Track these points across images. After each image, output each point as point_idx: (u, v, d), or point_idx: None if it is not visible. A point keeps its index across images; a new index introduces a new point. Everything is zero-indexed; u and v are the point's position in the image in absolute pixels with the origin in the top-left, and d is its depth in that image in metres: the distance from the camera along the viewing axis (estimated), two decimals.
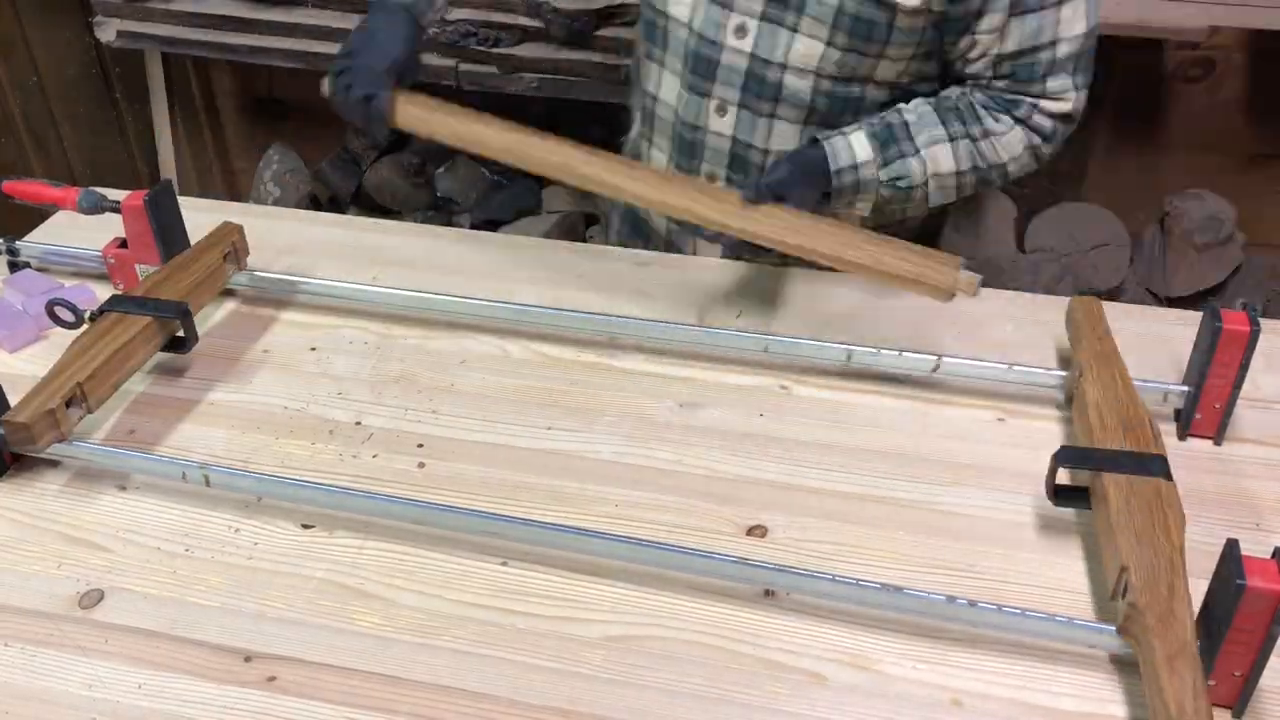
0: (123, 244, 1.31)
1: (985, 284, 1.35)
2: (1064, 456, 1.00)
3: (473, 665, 0.91)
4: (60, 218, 1.52)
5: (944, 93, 1.27)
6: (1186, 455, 1.11)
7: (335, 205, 2.78)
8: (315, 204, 2.77)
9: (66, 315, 1.17)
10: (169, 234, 1.30)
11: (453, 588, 0.98)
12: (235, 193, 3.03)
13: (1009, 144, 1.25)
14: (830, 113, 1.27)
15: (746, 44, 1.25)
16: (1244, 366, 1.07)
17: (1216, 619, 0.84)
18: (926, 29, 1.21)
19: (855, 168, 1.23)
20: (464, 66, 2.35)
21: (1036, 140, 1.26)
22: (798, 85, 1.25)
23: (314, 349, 1.26)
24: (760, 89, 1.27)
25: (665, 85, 1.35)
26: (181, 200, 1.34)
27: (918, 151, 1.23)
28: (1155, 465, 0.98)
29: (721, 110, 1.30)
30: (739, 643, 0.93)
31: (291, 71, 2.53)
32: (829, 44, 1.21)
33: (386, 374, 1.22)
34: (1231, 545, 0.84)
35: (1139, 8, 2.18)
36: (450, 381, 1.21)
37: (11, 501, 1.07)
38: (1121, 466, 0.98)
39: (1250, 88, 2.41)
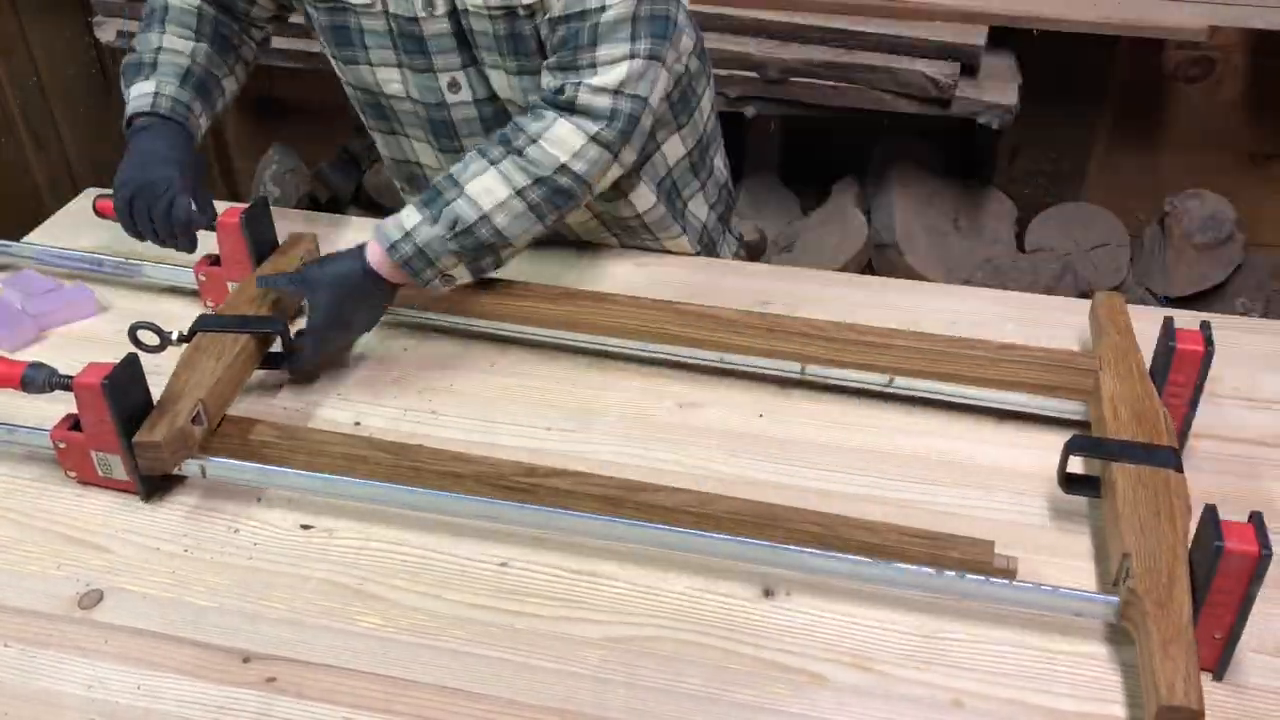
0: (215, 261, 1.28)
1: (985, 284, 1.35)
2: (1075, 445, 1.01)
3: (472, 665, 0.91)
4: (59, 218, 1.52)
5: None
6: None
7: (335, 205, 2.78)
8: (315, 204, 2.77)
9: (150, 339, 1.13)
10: (264, 251, 1.28)
11: (452, 588, 0.98)
12: (235, 193, 3.03)
13: (558, 139, 1.15)
14: None
15: (465, 95, 1.26)
16: (1199, 386, 1.06)
17: (1196, 583, 0.86)
18: None
19: (408, 234, 1.14)
20: None
21: (593, 126, 1.15)
22: (519, 113, 1.25)
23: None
24: (498, 127, 1.24)
25: (421, 152, 1.37)
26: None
27: (462, 190, 1.15)
28: (1165, 456, 0.99)
29: None
30: (739, 643, 0.93)
31: (291, 71, 2.53)
32: (505, 71, 1.23)
33: (385, 375, 1.22)
34: (1210, 510, 0.86)
35: (1139, 8, 2.18)
36: (449, 382, 1.21)
37: (11, 502, 1.06)
38: (1131, 456, 0.99)
39: (1250, 88, 2.41)
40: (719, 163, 1.47)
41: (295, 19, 1.38)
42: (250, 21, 1.39)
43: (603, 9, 1.14)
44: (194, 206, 1.21)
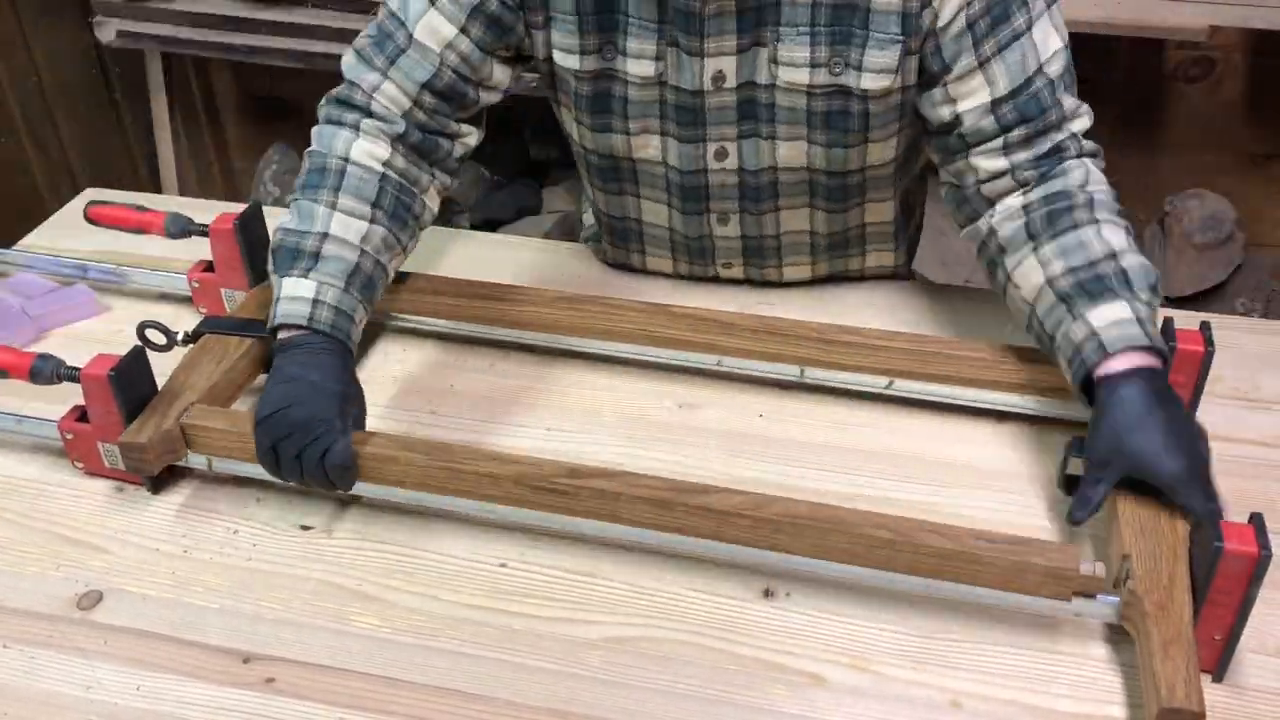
0: (208, 267, 1.26)
1: (984, 284, 1.35)
2: (1077, 446, 1.01)
3: (470, 666, 0.91)
4: (56, 220, 1.52)
5: (1014, 218, 1.10)
6: None
7: None
8: None
9: (158, 338, 1.12)
10: (258, 257, 1.23)
11: (450, 589, 0.98)
12: (235, 193, 3.03)
13: (1099, 176, 1.10)
14: (833, 194, 1.23)
15: (731, 163, 1.20)
16: (1199, 387, 1.06)
17: (1196, 584, 0.86)
18: (906, 104, 1.14)
19: (1139, 322, 0.99)
20: None
21: (1100, 164, 1.12)
22: (793, 180, 1.21)
23: None
24: (758, 194, 1.22)
25: (649, 210, 1.29)
26: (181, 200, 1.33)
27: (1115, 259, 1.03)
28: None
29: (723, 220, 1.26)
30: (737, 644, 0.93)
31: (292, 71, 2.53)
32: (810, 142, 1.16)
33: (385, 375, 1.22)
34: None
35: (1139, 8, 2.18)
36: (448, 383, 1.21)
37: (10, 502, 1.07)
38: None
39: (1250, 88, 2.41)
40: None
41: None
42: (444, 169, 1.18)
43: (1041, 69, 1.07)
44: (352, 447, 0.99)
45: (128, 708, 0.88)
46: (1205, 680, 0.88)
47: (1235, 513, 0.87)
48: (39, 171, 2.58)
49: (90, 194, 1.58)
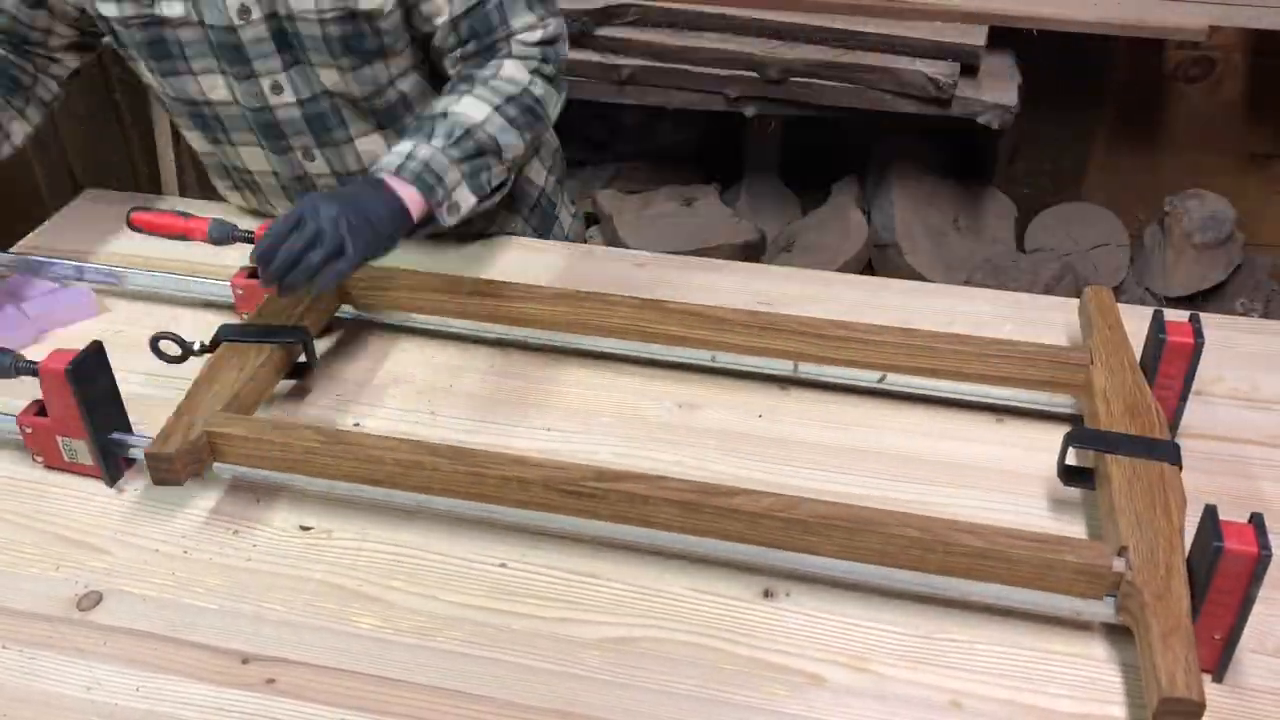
0: (253, 274, 1.25)
1: (985, 284, 1.35)
2: (1074, 437, 1.02)
3: (470, 667, 0.91)
4: (58, 220, 1.52)
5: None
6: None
7: None
8: None
9: (171, 350, 1.13)
10: None
11: (450, 589, 0.98)
12: None
13: (510, 74, 1.25)
14: (390, 115, 1.32)
15: (288, 96, 1.28)
16: (1189, 379, 1.07)
17: (1196, 583, 0.86)
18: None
19: (410, 154, 1.16)
20: None
21: (533, 63, 1.26)
22: (350, 109, 1.30)
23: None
24: (325, 124, 1.31)
25: (248, 157, 1.37)
26: (182, 200, 1.34)
27: (448, 112, 1.20)
28: (1161, 449, 0.99)
29: (308, 156, 1.34)
30: (737, 644, 0.93)
31: None
32: (339, 68, 1.25)
33: (384, 376, 1.22)
34: (1210, 510, 0.86)
35: (1139, 7, 2.19)
36: (448, 383, 1.21)
37: (10, 503, 1.07)
38: (1128, 449, 0.99)
39: (1250, 87, 2.41)
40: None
41: (105, 40, 1.34)
42: (47, 57, 1.35)
43: None
44: None
45: (127, 708, 0.88)
46: (1205, 680, 0.88)
47: (1236, 513, 0.87)
48: (40, 172, 2.57)
49: (89, 195, 1.58)
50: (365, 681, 0.90)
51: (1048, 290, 2.39)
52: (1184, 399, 1.08)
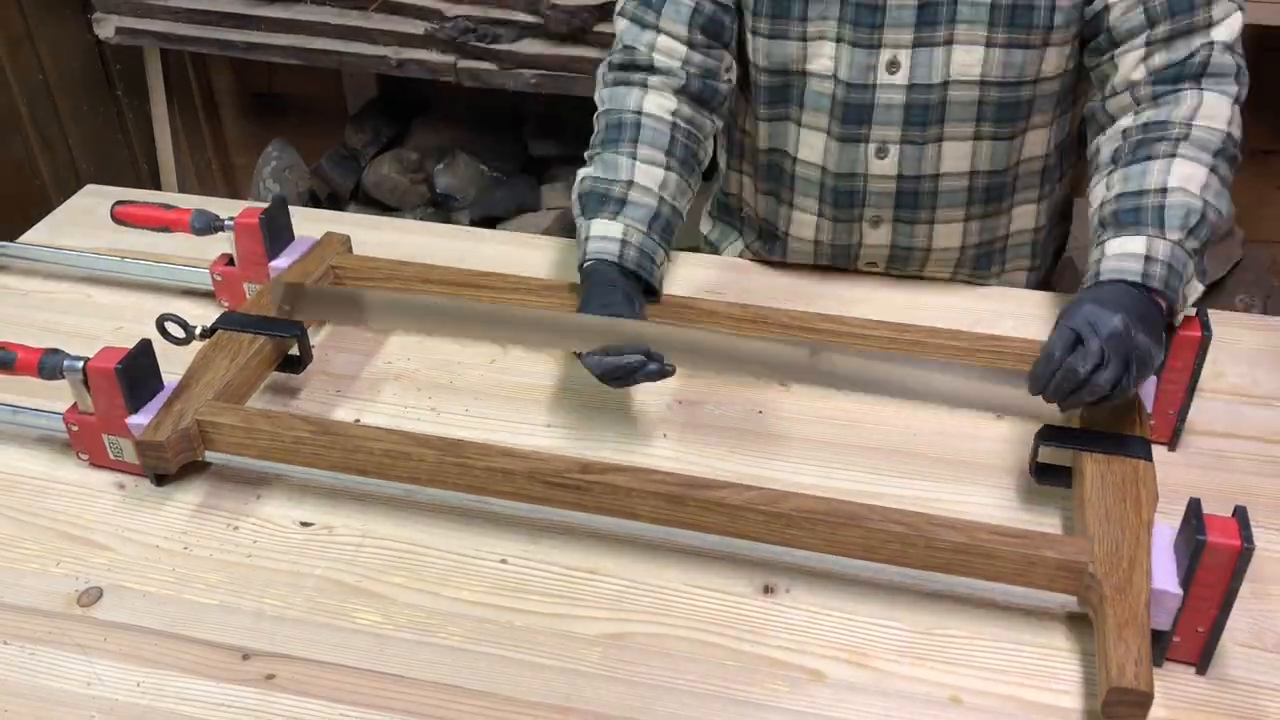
0: (230, 261, 1.28)
1: (983, 282, 1.35)
2: (1045, 435, 1.02)
3: (471, 663, 0.91)
4: (59, 214, 1.52)
5: (1108, 150, 1.13)
6: (1168, 454, 1.11)
7: (334, 202, 2.78)
8: (314, 200, 2.77)
9: (176, 331, 1.14)
10: (281, 252, 1.27)
11: (451, 585, 0.98)
12: (234, 189, 3.03)
13: (1212, 112, 1.10)
14: (1001, 121, 1.21)
15: (901, 77, 1.18)
16: (1196, 372, 1.07)
17: (1179, 576, 0.87)
18: (1083, 12, 1.14)
19: (1149, 257, 1.01)
20: (463, 63, 2.34)
21: (1233, 88, 1.13)
22: (963, 98, 1.18)
23: (311, 346, 1.26)
24: (924, 117, 1.20)
25: (805, 143, 1.27)
26: (181, 198, 1.34)
27: (1166, 190, 1.04)
28: (1134, 446, 0.99)
29: (882, 152, 1.23)
30: (737, 639, 0.93)
31: (291, 68, 2.53)
32: (988, 45, 1.14)
33: (385, 372, 1.22)
34: (1193, 503, 0.86)
35: None
36: (449, 379, 1.21)
37: (11, 499, 1.07)
38: (1101, 446, 0.99)
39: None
40: None
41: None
42: (718, 114, 1.27)
43: None
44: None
45: (128, 704, 0.88)
46: (1189, 673, 0.89)
47: (1233, 509, 0.87)
48: (45, 169, 2.58)
49: (89, 191, 1.59)
50: (365, 677, 0.90)
51: (1047, 286, 2.38)
52: (1191, 391, 1.08)
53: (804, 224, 1.34)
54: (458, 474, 1.00)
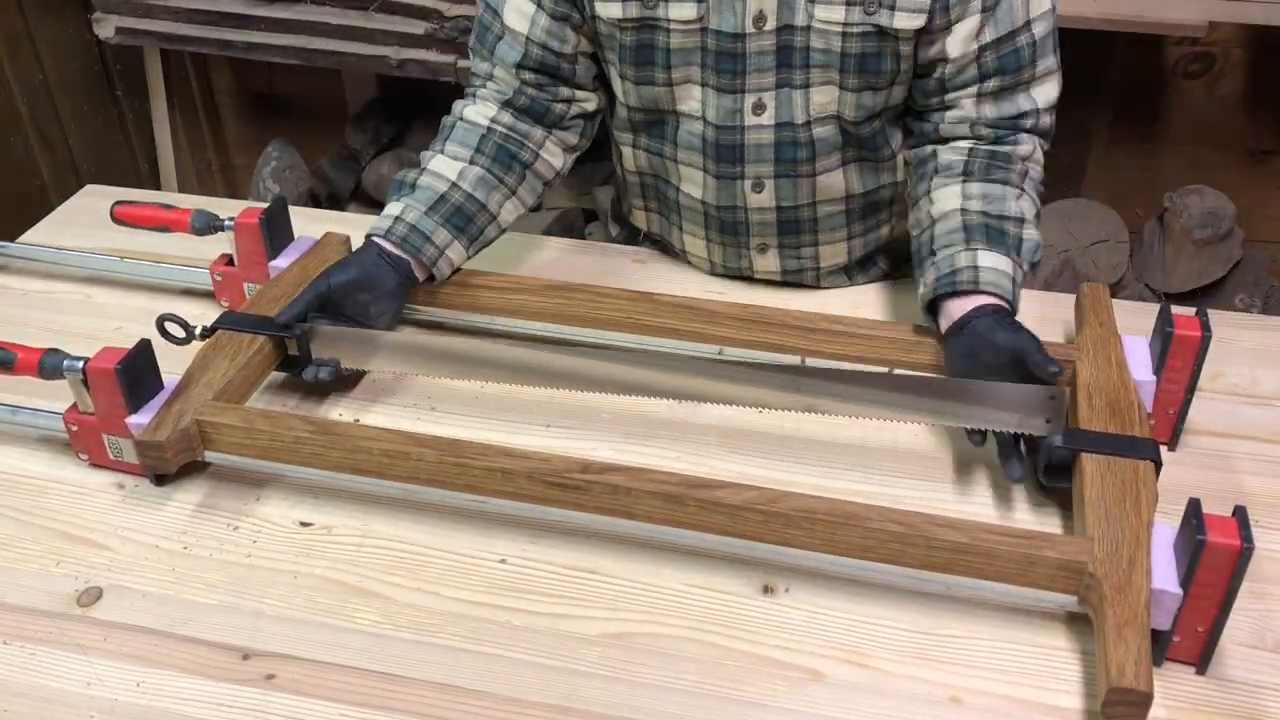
0: (230, 261, 1.28)
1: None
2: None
3: (470, 662, 0.91)
4: (59, 214, 1.52)
5: (960, 158, 1.19)
6: (1168, 454, 1.11)
7: (334, 202, 2.78)
8: (314, 201, 2.77)
9: (176, 331, 1.14)
10: (281, 252, 1.27)
11: (450, 585, 0.98)
12: (234, 189, 3.03)
13: (1038, 160, 1.21)
14: (865, 146, 1.25)
15: (768, 118, 1.21)
16: (1196, 372, 1.07)
17: (1179, 576, 0.87)
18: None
19: (1014, 283, 1.13)
20: (463, 63, 2.35)
21: (1045, 145, 1.22)
22: (826, 134, 1.23)
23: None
24: (793, 153, 1.23)
25: (686, 178, 1.30)
26: (181, 198, 1.34)
27: (1023, 224, 1.16)
28: (1136, 446, 0.99)
29: (758, 187, 1.26)
30: (737, 639, 0.93)
31: (291, 68, 2.53)
32: (842, 87, 1.18)
33: (385, 371, 1.22)
34: (1193, 503, 0.86)
35: (1139, 3, 2.18)
36: (449, 379, 1.21)
37: (11, 499, 1.07)
38: (1103, 446, 0.99)
39: (1250, 83, 2.41)
40: None
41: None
42: (560, 127, 1.29)
43: (1029, 24, 1.15)
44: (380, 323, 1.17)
45: (128, 704, 0.88)
46: (1189, 672, 0.89)
47: (1232, 509, 0.87)
48: (45, 169, 2.58)
49: (89, 191, 1.59)
50: (365, 677, 0.90)
51: (1047, 286, 2.39)
52: (1191, 392, 1.08)
53: (696, 245, 1.37)
54: (457, 474, 1.00)
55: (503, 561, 1.00)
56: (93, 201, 1.54)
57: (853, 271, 1.37)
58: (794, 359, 1.18)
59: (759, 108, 1.21)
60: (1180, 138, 2.52)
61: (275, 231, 1.27)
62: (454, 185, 1.23)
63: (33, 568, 1.00)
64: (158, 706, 0.88)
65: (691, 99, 1.23)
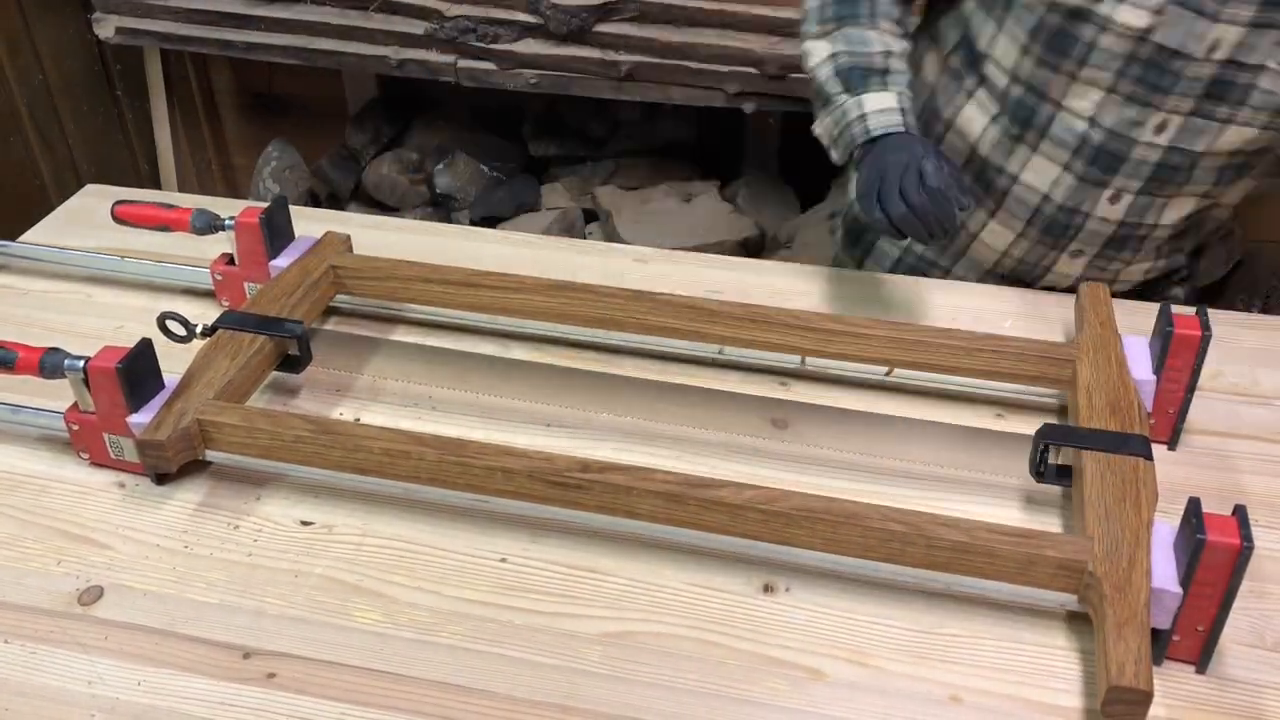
0: (230, 261, 1.28)
1: (983, 280, 1.35)
2: (1045, 433, 1.02)
3: (471, 661, 0.91)
4: (59, 214, 1.52)
5: None
6: (1168, 453, 1.11)
7: (334, 202, 2.78)
8: (314, 200, 2.77)
9: (178, 329, 1.14)
10: (282, 251, 1.28)
11: (451, 584, 0.98)
12: (234, 189, 3.03)
13: None
14: (1224, 174, 1.21)
15: (1164, 138, 1.16)
16: (1195, 371, 1.07)
17: (1179, 575, 0.87)
18: None
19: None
20: (463, 63, 2.35)
21: None
22: (1212, 165, 1.18)
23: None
24: (1169, 175, 1.19)
25: (1035, 169, 1.24)
26: (181, 197, 1.34)
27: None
28: (1134, 444, 0.99)
29: (1115, 198, 1.22)
30: (737, 638, 0.93)
31: (291, 68, 2.53)
32: (1265, 128, 1.13)
33: (385, 371, 1.22)
34: (1193, 502, 0.86)
35: None
36: (449, 379, 1.21)
37: (12, 498, 1.07)
38: (1102, 444, 0.99)
39: None
40: None
41: None
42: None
43: None
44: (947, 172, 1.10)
45: (129, 703, 0.88)
46: (1189, 671, 0.89)
47: (1232, 508, 0.87)
48: (45, 169, 2.58)
49: (89, 191, 1.59)
50: (366, 676, 0.90)
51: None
52: (1191, 391, 1.08)
53: (998, 236, 1.32)
54: (458, 473, 1.00)
55: (503, 560, 1.00)
56: (93, 201, 1.54)
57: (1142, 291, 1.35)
58: (794, 359, 1.19)
59: (1160, 128, 1.15)
60: None
61: (276, 231, 1.27)
62: (907, 66, 1.23)
63: (33, 567, 1.00)
64: (159, 705, 0.88)
65: (1086, 99, 1.16)
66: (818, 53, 1.23)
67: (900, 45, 1.23)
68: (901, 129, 1.17)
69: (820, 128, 1.25)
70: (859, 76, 1.19)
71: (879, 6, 1.23)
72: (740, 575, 0.98)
